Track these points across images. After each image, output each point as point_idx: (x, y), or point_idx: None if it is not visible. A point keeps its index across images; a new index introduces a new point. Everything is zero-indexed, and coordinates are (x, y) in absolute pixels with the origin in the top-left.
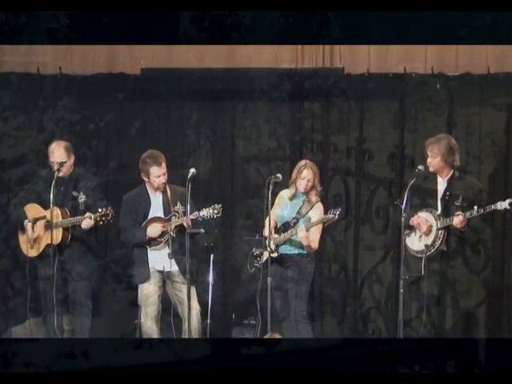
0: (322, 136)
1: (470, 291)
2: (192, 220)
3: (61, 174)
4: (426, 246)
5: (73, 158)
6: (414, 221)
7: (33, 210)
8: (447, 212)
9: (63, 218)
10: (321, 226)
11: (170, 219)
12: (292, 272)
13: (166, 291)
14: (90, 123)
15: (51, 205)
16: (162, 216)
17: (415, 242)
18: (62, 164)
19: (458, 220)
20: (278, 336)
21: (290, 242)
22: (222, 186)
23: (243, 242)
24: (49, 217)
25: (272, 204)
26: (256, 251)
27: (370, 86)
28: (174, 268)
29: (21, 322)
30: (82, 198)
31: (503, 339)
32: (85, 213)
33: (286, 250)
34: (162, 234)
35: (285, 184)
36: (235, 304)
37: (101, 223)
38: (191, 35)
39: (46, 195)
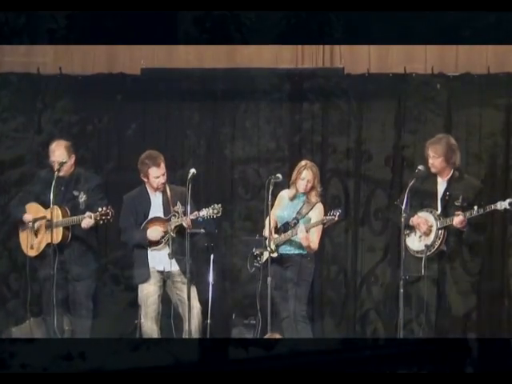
0: (322, 137)
1: (470, 291)
2: (192, 220)
3: (61, 174)
4: (426, 246)
5: (73, 158)
6: (413, 221)
7: (33, 209)
8: (447, 212)
9: (63, 217)
10: (321, 226)
11: (169, 219)
12: (292, 272)
13: (166, 291)
14: (89, 123)
15: (51, 204)
16: (162, 216)
17: (415, 242)
18: (62, 163)
19: (458, 220)
20: (277, 336)
21: (289, 242)
22: (221, 187)
23: (243, 242)
24: (49, 216)
25: (272, 204)
26: (256, 251)
27: (370, 87)
28: (175, 268)
29: (21, 322)
30: (82, 198)
31: (503, 339)
32: (85, 212)
33: (286, 250)
34: (163, 234)
35: (285, 184)
36: (235, 304)
37: (101, 222)
38: (192, 35)
39: (46, 195)
